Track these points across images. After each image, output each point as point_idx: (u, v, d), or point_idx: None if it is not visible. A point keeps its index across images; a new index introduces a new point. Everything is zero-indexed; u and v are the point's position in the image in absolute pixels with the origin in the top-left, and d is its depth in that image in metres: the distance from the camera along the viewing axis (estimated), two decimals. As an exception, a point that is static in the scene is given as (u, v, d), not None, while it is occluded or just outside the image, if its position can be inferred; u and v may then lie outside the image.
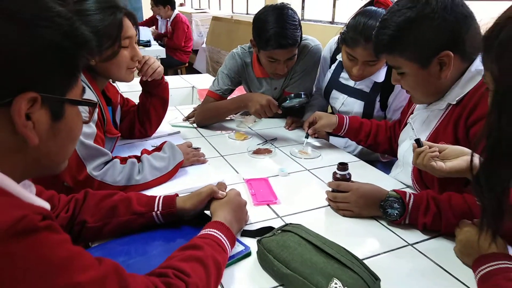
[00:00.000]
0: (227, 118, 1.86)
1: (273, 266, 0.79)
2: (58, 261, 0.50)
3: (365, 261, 0.79)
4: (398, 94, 1.56)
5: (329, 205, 1.10)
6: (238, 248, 0.88)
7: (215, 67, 5.17)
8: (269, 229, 0.92)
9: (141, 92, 1.54)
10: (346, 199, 1.04)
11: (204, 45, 5.74)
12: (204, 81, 2.84)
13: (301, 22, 1.62)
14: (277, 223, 0.97)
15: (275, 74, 1.69)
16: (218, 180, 1.02)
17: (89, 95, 1.17)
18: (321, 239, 0.83)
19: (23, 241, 0.47)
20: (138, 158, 1.21)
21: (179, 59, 5.23)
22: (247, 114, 1.86)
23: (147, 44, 4.53)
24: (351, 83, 1.65)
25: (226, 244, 0.81)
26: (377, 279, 0.75)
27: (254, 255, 0.87)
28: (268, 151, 1.48)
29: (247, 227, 0.98)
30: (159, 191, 1.13)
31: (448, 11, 0.99)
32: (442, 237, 0.95)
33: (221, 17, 5.86)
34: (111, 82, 1.39)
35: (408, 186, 1.22)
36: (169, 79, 1.61)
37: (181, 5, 8.27)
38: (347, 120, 1.47)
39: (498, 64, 0.61)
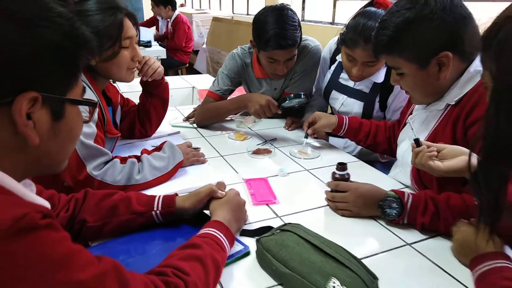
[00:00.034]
0: (227, 119, 1.87)
1: (271, 265, 0.79)
2: (58, 258, 0.50)
3: (363, 261, 0.80)
4: (398, 95, 1.56)
5: (328, 205, 1.10)
6: (237, 247, 0.88)
7: (215, 67, 5.18)
8: (268, 228, 0.93)
9: (141, 92, 1.54)
10: (345, 199, 1.04)
11: (204, 46, 5.75)
12: (204, 82, 2.85)
13: (301, 22, 1.62)
14: (276, 223, 0.97)
15: (275, 74, 1.70)
16: (217, 180, 1.03)
17: (90, 95, 1.17)
18: (320, 239, 0.84)
19: (23, 239, 0.48)
20: (138, 158, 1.21)
21: (180, 59, 5.24)
22: (247, 115, 1.87)
23: (147, 44, 4.53)
24: (350, 83, 1.65)
25: (225, 243, 0.81)
26: (375, 278, 0.75)
27: (253, 255, 0.87)
28: (267, 151, 1.49)
29: (246, 227, 0.98)
30: (158, 191, 1.13)
31: (447, 12, 0.99)
32: (440, 237, 0.95)
33: (222, 17, 5.86)
34: (111, 82, 1.39)
35: (407, 186, 1.23)
36: (169, 79, 1.62)
37: (182, 5, 8.28)
38: (347, 120, 1.48)
39: (497, 63, 0.62)
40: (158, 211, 0.93)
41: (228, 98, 1.83)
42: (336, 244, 0.83)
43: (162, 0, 5.19)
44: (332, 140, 1.70)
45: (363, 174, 1.27)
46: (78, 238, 0.90)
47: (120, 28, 1.19)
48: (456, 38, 1.01)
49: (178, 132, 1.68)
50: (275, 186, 1.21)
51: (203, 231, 0.83)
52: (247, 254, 0.88)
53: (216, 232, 0.82)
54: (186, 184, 1.21)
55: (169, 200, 0.95)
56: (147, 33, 4.87)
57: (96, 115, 1.17)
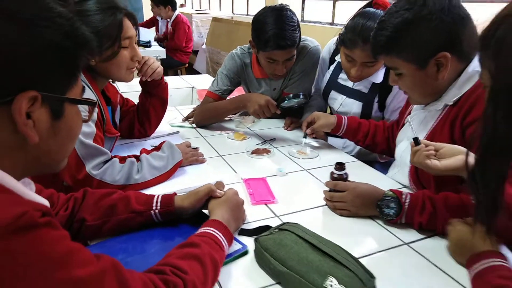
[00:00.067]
0: (226, 119, 1.87)
1: (269, 264, 0.80)
2: (57, 256, 0.51)
3: (361, 260, 0.80)
4: (396, 95, 1.57)
5: (326, 204, 1.11)
6: (236, 246, 0.89)
7: (215, 67, 5.19)
8: (267, 228, 0.93)
9: (140, 92, 1.55)
10: (343, 198, 1.05)
11: (204, 46, 5.75)
12: (203, 82, 2.85)
13: (301, 23, 1.63)
14: (274, 222, 0.98)
15: (274, 74, 1.71)
16: (216, 179, 1.03)
17: (89, 94, 1.18)
18: (318, 238, 0.84)
19: (23, 237, 0.48)
20: (137, 158, 1.22)
21: (179, 59, 5.24)
22: (246, 115, 1.87)
23: (147, 44, 4.54)
24: (349, 84, 1.66)
25: (223, 242, 0.82)
26: (372, 277, 0.76)
27: (251, 254, 0.88)
28: (266, 151, 1.49)
29: (245, 226, 0.98)
30: (157, 190, 1.13)
31: (445, 13, 1.00)
32: (438, 236, 0.96)
33: (222, 18, 5.87)
34: (111, 82, 1.40)
35: (405, 186, 1.23)
36: (169, 79, 1.62)
37: (182, 6, 8.28)
38: (346, 120, 1.48)
39: (495, 61, 0.62)
40: (157, 210, 0.94)
41: (227, 98, 1.83)
42: (334, 243, 0.83)
43: (162, 0, 5.19)
44: (331, 140, 1.70)
45: (362, 174, 1.28)
46: (77, 237, 0.91)
47: (119, 28, 1.20)
48: (455, 39, 1.02)
49: (177, 132, 1.69)
50: (273, 186, 1.22)
51: (201, 230, 0.83)
52: (245, 253, 0.88)
53: (214, 231, 0.82)
54: (185, 183, 1.21)
55: (168, 199, 0.95)
56: (147, 34, 4.87)
57: (95, 115, 1.17)
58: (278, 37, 1.53)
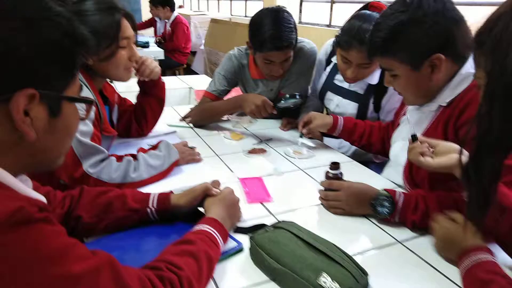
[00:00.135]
0: (223, 119, 1.88)
1: (264, 261, 0.81)
2: (53, 251, 0.51)
3: (355, 257, 0.81)
4: (392, 96, 1.58)
5: (321, 203, 1.12)
6: (231, 244, 0.90)
7: (213, 68, 5.20)
8: (262, 226, 0.94)
9: (138, 92, 1.56)
10: (338, 197, 1.06)
11: (202, 47, 5.76)
12: (201, 82, 2.86)
13: (298, 25, 1.64)
14: (270, 221, 0.99)
15: (271, 75, 1.72)
16: (213, 178, 1.04)
17: (86, 93, 1.18)
18: (313, 236, 0.85)
19: (19, 231, 0.48)
20: (134, 157, 1.22)
21: (178, 60, 5.25)
22: (243, 115, 1.88)
23: (145, 45, 4.54)
24: (345, 85, 1.67)
25: (218, 240, 0.83)
26: (365, 274, 0.77)
27: (246, 251, 0.89)
28: (262, 151, 1.50)
29: (240, 224, 0.99)
30: (154, 189, 1.14)
31: (440, 15, 1.01)
32: (430, 235, 0.96)
33: (220, 19, 5.89)
34: (108, 81, 1.41)
35: (399, 186, 1.24)
36: (166, 79, 1.63)
37: (180, 7, 8.30)
38: (341, 121, 1.50)
39: (491, 59, 0.62)
40: (153, 208, 0.95)
41: (224, 98, 1.85)
42: (328, 241, 0.84)
43: (161, 1, 5.20)
44: (327, 140, 1.72)
45: (357, 174, 1.29)
46: (73, 234, 0.90)
47: (117, 28, 1.20)
48: (449, 41, 1.03)
49: (175, 132, 1.70)
50: (269, 185, 1.23)
51: (197, 227, 0.84)
52: (240, 250, 0.89)
53: (210, 229, 0.83)
54: (181, 182, 1.22)
55: (164, 197, 0.96)
56: (149, 39, 4.87)
57: (92, 113, 1.18)
58: (275, 38, 1.54)
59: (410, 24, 1.04)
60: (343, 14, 3.89)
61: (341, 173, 1.11)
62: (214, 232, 0.83)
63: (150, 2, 5.37)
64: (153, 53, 4.22)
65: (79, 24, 0.61)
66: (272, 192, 1.18)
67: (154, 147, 1.31)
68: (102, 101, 1.31)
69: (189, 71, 5.81)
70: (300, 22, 4.51)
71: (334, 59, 1.71)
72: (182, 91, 2.83)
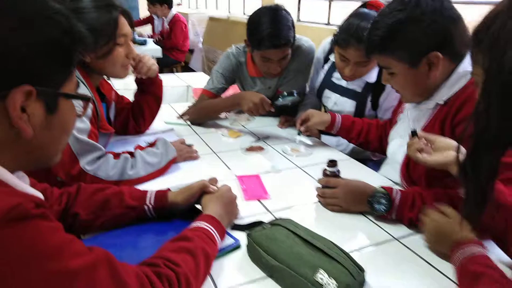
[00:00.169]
0: (221, 116, 1.88)
1: (261, 258, 0.81)
2: (50, 247, 0.51)
3: (352, 254, 0.81)
4: (389, 94, 1.58)
5: (319, 201, 1.12)
6: (228, 241, 0.90)
7: (211, 66, 5.20)
8: (259, 223, 0.94)
9: (135, 89, 1.55)
10: (335, 194, 1.06)
11: (200, 45, 5.76)
12: (199, 80, 2.86)
13: (297, 23, 1.65)
14: (267, 218, 0.99)
15: (269, 73, 1.72)
16: (210, 176, 1.04)
17: (83, 90, 1.18)
18: (310, 233, 0.85)
19: (15, 227, 0.49)
20: (132, 154, 1.22)
21: (176, 58, 5.24)
22: (240, 113, 1.88)
23: (143, 43, 4.53)
24: (343, 83, 1.68)
25: (216, 237, 0.83)
26: (362, 270, 0.77)
27: (243, 248, 0.89)
28: (260, 149, 1.50)
29: (238, 221, 0.99)
30: (151, 186, 1.14)
31: (437, 14, 1.02)
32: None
33: (218, 17, 5.88)
34: (106, 79, 1.40)
35: (396, 183, 1.25)
36: (164, 77, 1.63)
37: (178, 5, 8.27)
38: (339, 119, 1.50)
39: (489, 56, 0.62)
40: (150, 206, 0.95)
41: (222, 96, 1.84)
42: (326, 238, 0.84)
43: (159, -1, 5.18)
44: (325, 138, 1.72)
45: (355, 172, 1.29)
46: (70, 231, 0.90)
47: (115, 26, 1.20)
48: (446, 39, 1.03)
49: (172, 129, 1.70)
50: (267, 182, 1.23)
51: (194, 224, 0.84)
52: (237, 247, 0.90)
53: (207, 226, 0.83)
54: (178, 179, 1.22)
55: (161, 194, 0.96)
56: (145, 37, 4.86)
57: (89, 111, 1.18)
58: (273, 36, 1.54)
59: (408, 22, 1.04)
60: (341, 12, 3.89)
61: (338, 171, 1.11)
62: (211, 229, 0.83)
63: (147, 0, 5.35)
64: (151, 51, 4.21)
65: (77, 21, 0.61)
66: (270, 189, 1.19)
67: (152, 145, 1.31)
68: (99, 98, 1.31)
69: (187, 69, 5.80)
70: (298, 20, 4.51)
71: (332, 57, 1.71)
72: (180, 89, 2.83)
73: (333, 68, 1.72)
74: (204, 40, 5.79)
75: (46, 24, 0.56)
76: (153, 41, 5.08)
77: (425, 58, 1.05)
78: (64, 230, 0.56)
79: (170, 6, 5.26)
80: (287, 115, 1.83)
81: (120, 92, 1.58)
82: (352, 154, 1.59)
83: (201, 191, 0.97)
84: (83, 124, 1.13)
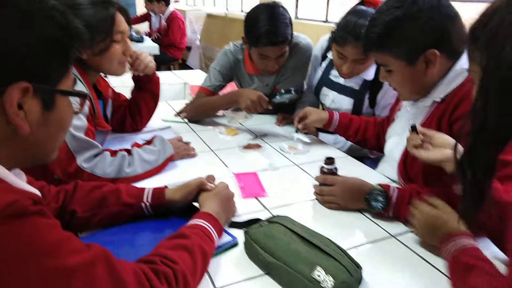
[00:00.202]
0: (219, 114, 1.88)
1: (259, 255, 0.81)
2: (47, 244, 0.51)
3: (349, 251, 0.81)
4: (387, 92, 1.58)
5: (316, 198, 1.12)
6: (226, 238, 0.90)
7: (208, 63, 5.18)
8: (257, 221, 0.94)
9: (133, 87, 1.55)
10: (332, 192, 1.07)
11: (197, 42, 5.74)
12: (196, 77, 2.85)
13: (294, 20, 1.65)
14: (264, 216, 0.99)
15: (266, 71, 1.72)
16: (207, 173, 1.04)
17: (80, 88, 1.17)
18: (307, 230, 0.85)
19: (13, 224, 0.48)
20: (129, 151, 1.22)
21: (173, 55, 5.23)
22: (238, 110, 1.88)
23: (140, 40, 4.51)
24: (341, 80, 1.68)
25: (213, 234, 0.83)
26: (359, 267, 0.78)
27: (241, 246, 0.89)
28: (258, 146, 1.50)
29: (235, 219, 1.00)
30: (149, 184, 1.14)
31: (435, 11, 1.02)
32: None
33: (215, 14, 5.86)
34: (102, 76, 1.40)
35: (393, 181, 1.25)
36: (161, 75, 1.62)
37: (176, 2, 8.24)
38: (337, 116, 1.50)
39: (487, 53, 0.62)
40: (147, 203, 0.95)
41: (220, 93, 1.84)
42: (323, 235, 0.84)
43: (156, -4, 5.16)
44: (322, 136, 1.72)
45: (352, 169, 1.29)
46: (68, 229, 0.90)
47: (112, 22, 1.20)
48: (443, 37, 1.04)
49: (169, 127, 1.69)
50: (264, 180, 1.23)
51: (192, 222, 0.84)
52: (235, 245, 0.90)
53: (204, 223, 0.83)
54: (176, 177, 1.22)
55: (159, 192, 0.96)
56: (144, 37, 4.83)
57: (86, 108, 1.17)
58: (270, 33, 1.54)
59: (405, 19, 1.04)
60: (339, 10, 3.88)
61: (336, 168, 1.12)
62: (208, 226, 0.83)
63: (144, -4, 5.34)
64: (148, 48, 4.20)
65: (73, 17, 0.61)
66: (267, 187, 1.19)
67: (149, 142, 1.31)
68: (96, 95, 1.30)
69: (184, 66, 5.79)
70: (296, 18, 4.50)
71: (329, 55, 1.71)
72: (177, 86, 2.82)
73: (330, 65, 1.72)
74: (201, 37, 5.78)
75: (43, 20, 0.56)
76: (152, 39, 5.06)
77: (422, 56, 1.05)
78: (61, 227, 0.55)
79: (167, 3, 5.24)
80: (285, 113, 1.83)
81: (117, 90, 1.57)
82: (350, 152, 1.59)
83: (199, 188, 0.97)
84: (80, 121, 1.13)
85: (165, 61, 5.13)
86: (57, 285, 0.52)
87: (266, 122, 1.82)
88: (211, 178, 1.02)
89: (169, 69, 5.15)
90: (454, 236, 0.80)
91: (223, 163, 1.37)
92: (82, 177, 1.09)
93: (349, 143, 1.63)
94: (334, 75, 1.70)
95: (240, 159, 1.41)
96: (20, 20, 0.54)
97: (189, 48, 5.82)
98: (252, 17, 1.60)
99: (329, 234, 0.85)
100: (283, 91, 1.58)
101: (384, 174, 1.31)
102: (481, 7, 0.66)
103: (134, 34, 4.41)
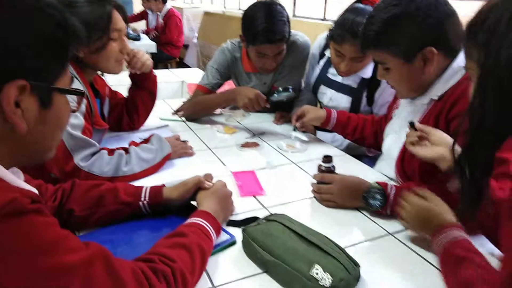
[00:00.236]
0: (216, 112, 1.88)
1: (257, 253, 0.81)
2: (45, 242, 0.51)
3: (347, 249, 0.82)
4: (385, 90, 1.59)
5: (314, 196, 1.12)
6: (224, 237, 0.90)
7: (205, 62, 5.18)
8: (254, 219, 0.94)
9: (130, 85, 1.54)
10: (330, 190, 1.07)
11: (195, 40, 5.73)
12: (193, 75, 2.84)
13: (292, 18, 1.64)
14: (262, 214, 0.99)
15: (264, 69, 1.72)
16: (205, 172, 1.04)
17: (77, 86, 1.17)
18: (305, 229, 0.85)
19: (10, 222, 0.48)
20: (126, 150, 1.22)
21: (170, 53, 5.22)
22: (236, 108, 1.88)
23: (137, 38, 4.50)
24: (339, 78, 1.68)
25: (211, 232, 0.83)
26: (357, 265, 0.78)
27: (239, 244, 0.89)
28: (255, 145, 1.50)
29: (233, 217, 1.00)
30: (146, 182, 1.13)
31: (432, 9, 1.03)
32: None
33: (213, 12, 5.85)
34: (99, 74, 1.39)
35: (391, 179, 1.25)
36: (159, 73, 1.62)
37: (173, -1, 8.22)
38: (335, 114, 1.50)
39: (484, 50, 0.62)
40: (145, 202, 0.94)
41: (217, 91, 1.84)
42: (321, 233, 0.84)
43: (153, -6, 5.15)
44: (320, 134, 1.72)
45: (350, 168, 1.30)
46: (65, 228, 0.90)
47: (108, 20, 1.19)
48: (441, 35, 1.04)
49: (167, 125, 1.69)
50: (262, 178, 1.23)
51: (189, 220, 0.84)
52: (233, 243, 0.90)
53: (202, 222, 0.83)
54: (173, 175, 1.21)
55: (156, 190, 0.96)
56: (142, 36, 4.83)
57: (83, 107, 1.17)
58: (268, 31, 1.54)
59: (402, 17, 1.05)
60: (337, 7, 3.88)
61: (333, 166, 1.12)
62: (206, 225, 0.83)
63: (141, -6, 5.32)
64: (145, 46, 4.19)
65: (70, 15, 0.61)
66: (265, 185, 1.19)
67: (146, 141, 1.30)
68: (93, 94, 1.30)
69: (181, 64, 5.77)
70: (294, 16, 4.50)
71: (327, 53, 1.71)
72: (175, 85, 2.82)
73: (328, 63, 1.72)
74: (199, 35, 5.76)
75: (40, 18, 0.56)
76: (150, 37, 5.04)
77: (420, 54, 1.05)
78: (59, 225, 0.55)
79: (164, 1, 5.23)
80: (283, 111, 1.83)
81: (114, 88, 1.57)
82: (348, 150, 1.60)
83: (196, 187, 0.97)
84: (77, 120, 1.12)
85: (162, 59, 5.11)
86: (55, 283, 0.51)
87: (264, 121, 1.82)
88: (208, 177, 1.02)
89: (166, 67, 5.14)
90: (445, 227, 0.80)
91: (221, 161, 1.37)
92: (80, 175, 1.09)
93: (347, 141, 1.64)
94: (332, 73, 1.70)
95: (238, 158, 1.41)
96: (17, 18, 0.54)
97: (186, 46, 5.81)
98: (250, 15, 1.60)
99: (327, 232, 0.85)
100: (280, 89, 1.58)
101: (382, 172, 1.31)
102: (478, 5, 0.66)
103: (131, 32, 4.41)
